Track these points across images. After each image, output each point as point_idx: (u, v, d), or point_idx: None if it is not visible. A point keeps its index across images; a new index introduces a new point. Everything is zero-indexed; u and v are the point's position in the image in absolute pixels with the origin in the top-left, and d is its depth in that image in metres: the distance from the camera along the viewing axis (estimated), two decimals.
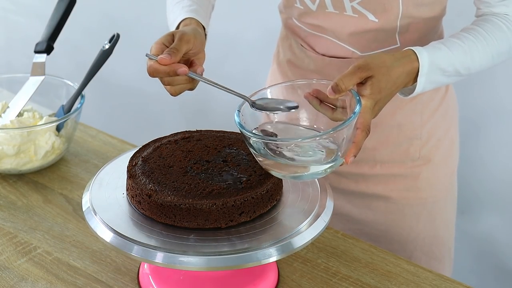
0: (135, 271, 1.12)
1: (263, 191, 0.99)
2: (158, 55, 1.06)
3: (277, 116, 1.07)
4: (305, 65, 1.34)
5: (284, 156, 0.98)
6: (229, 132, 1.12)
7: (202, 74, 1.08)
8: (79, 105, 1.38)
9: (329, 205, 1.03)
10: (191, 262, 0.92)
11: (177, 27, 1.19)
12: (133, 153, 1.08)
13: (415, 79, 1.09)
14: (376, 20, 1.20)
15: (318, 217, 0.99)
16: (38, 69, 1.40)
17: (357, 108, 0.96)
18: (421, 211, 1.37)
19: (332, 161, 0.97)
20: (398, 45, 1.25)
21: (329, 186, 1.07)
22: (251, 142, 0.98)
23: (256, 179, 1.00)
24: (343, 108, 1.02)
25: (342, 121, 0.96)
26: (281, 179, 1.03)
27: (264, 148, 0.99)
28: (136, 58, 2.48)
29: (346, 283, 1.10)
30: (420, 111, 1.31)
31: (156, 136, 1.12)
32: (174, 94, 1.10)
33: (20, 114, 1.39)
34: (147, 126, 2.60)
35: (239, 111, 1.01)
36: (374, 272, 1.13)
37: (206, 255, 0.92)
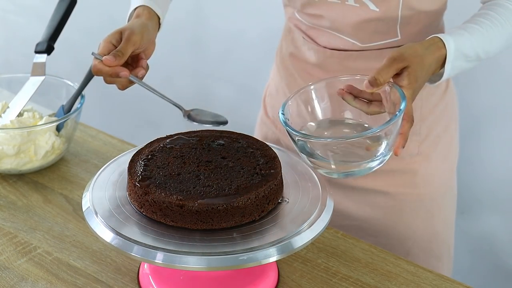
0: (135, 271, 1.12)
1: (279, 177, 1.01)
2: (105, 54, 1.09)
3: (321, 114, 1.08)
4: (307, 57, 1.34)
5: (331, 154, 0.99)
6: (199, 130, 1.13)
7: (142, 78, 1.13)
8: (79, 105, 1.38)
9: (329, 205, 1.03)
10: (191, 262, 0.92)
11: (132, 14, 1.21)
12: (132, 155, 1.08)
13: (441, 66, 1.10)
14: (377, 10, 1.21)
15: (318, 217, 1.00)
16: (39, 69, 1.40)
17: (403, 105, 0.97)
18: (419, 207, 1.37)
19: (382, 156, 0.98)
20: (399, 37, 1.25)
21: (329, 186, 1.07)
22: (296, 141, 0.98)
23: (266, 167, 1.02)
24: (378, 101, 1.04)
25: (391, 117, 0.97)
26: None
27: (310, 147, 0.99)
28: None
29: (346, 283, 1.10)
30: (419, 106, 1.31)
31: (156, 136, 1.12)
32: (121, 89, 1.14)
33: (20, 114, 1.39)
34: (147, 126, 2.60)
35: (283, 110, 1.03)
36: (374, 272, 1.13)
37: (206, 255, 0.92)
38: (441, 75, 1.12)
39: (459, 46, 1.10)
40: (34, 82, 1.40)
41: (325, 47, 1.31)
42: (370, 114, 1.05)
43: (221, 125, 1.08)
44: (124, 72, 1.09)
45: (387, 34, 1.25)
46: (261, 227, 0.97)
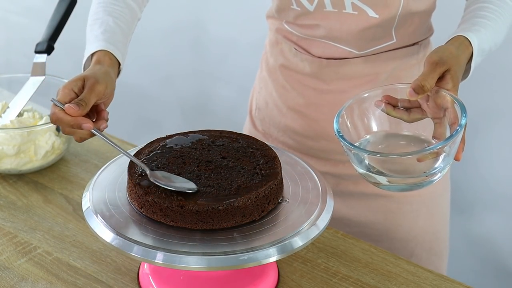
0: (135, 271, 1.12)
1: (279, 177, 1.01)
2: (65, 102, 1.01)
3: (376, 126, 1.06)
4: (300, 68, 1.32)
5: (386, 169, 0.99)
6: (199, 130, 1.12)
7: (103, 131, 1.03)
8: None
9: (329, 205, 1.03)
10: (191, 262, 0.92)
11: (89, 59, 1.12)
12: (132, 155, 1.07)
13: (469, 62, 1.10)
14: (377, 16, 1.20)
15: (318, 217, 1.00)
16: (39, 69, 1.40)
17: (464, 121, 0.96)
18: (421, 208, 1.37)
19: (441, 168, 0.97)
20: (394, 40, 1.25)
21: (329, 186, 1.07)
22: (352, 154, 0.97)
23: (266, 167, 1.02)
24: (417, 107, 1.03)
25: (454, 131, 0.96)
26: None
27: (368, 163, 0.99)
28: (136, 58, 2.48)
29: (346, 283, 1.10)
30: None
31: (156, 136, 1.12)
32: (79, 141, 1.04)
33: (20, 114, 1.39)
34: (147, 126, 2.60)
35: (337, 120, 1.02)
36: (374, 272, 1.13)
37: (206, 255, 0.92)
38: (467, 74, 1.12)
39: (480, 43, 1.10)
40: (34, 82, 1.40)
41: (319, 57, 1.29)
42: (411, 122, 1.04)
43: (189, 191, 0.99)
44: (88, 124, 1.00)
45: (383, 38, 1.25)
46: (261, 227, 0.97)
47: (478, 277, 2.00)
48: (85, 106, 1.00)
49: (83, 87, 1.03)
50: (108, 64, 1.09)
